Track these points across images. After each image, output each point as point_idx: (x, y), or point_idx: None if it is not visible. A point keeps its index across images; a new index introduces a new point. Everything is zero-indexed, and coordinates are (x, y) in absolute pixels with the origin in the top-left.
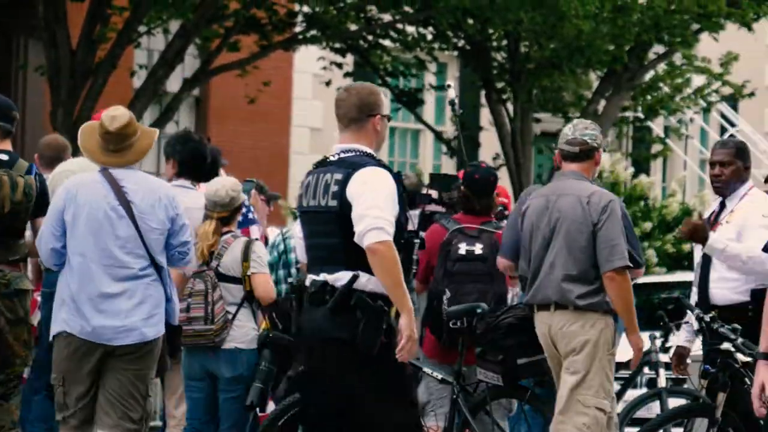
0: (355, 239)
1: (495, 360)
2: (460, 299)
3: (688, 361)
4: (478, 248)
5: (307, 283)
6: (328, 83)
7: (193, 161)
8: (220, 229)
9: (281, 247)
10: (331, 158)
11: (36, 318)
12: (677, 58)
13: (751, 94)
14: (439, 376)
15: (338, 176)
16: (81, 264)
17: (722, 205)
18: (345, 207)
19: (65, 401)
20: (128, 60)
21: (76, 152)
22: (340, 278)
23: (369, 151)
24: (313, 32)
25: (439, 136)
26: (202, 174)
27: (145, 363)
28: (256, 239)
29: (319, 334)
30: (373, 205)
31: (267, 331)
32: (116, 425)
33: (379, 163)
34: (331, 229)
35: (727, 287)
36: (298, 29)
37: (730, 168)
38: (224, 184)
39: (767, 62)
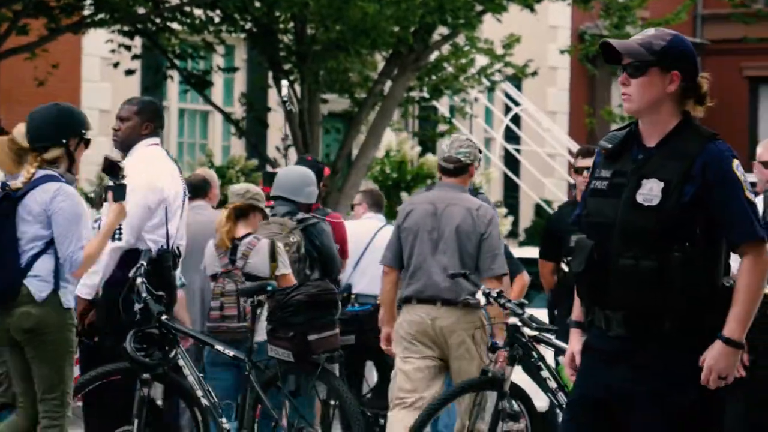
0: None
1: (286, 337)
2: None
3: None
4: None
5: None
6: (116, 65)
7: None
8: (233, 217)
9: None
10: None
11: None
12: (461, 39)
13: (534, 74)
14: (231, 353)
15: None
16: None
17: None
18: None
19: None
20: None
21: None
22: None
23: None
24: (102, 15)
25: (228, 117)
26: None
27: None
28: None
29: None
30: None
31: None
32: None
33: None
34: None
35: None
36: (86, 12)
37: (127, 124)
38: (248, 185)
39: (550, 42)
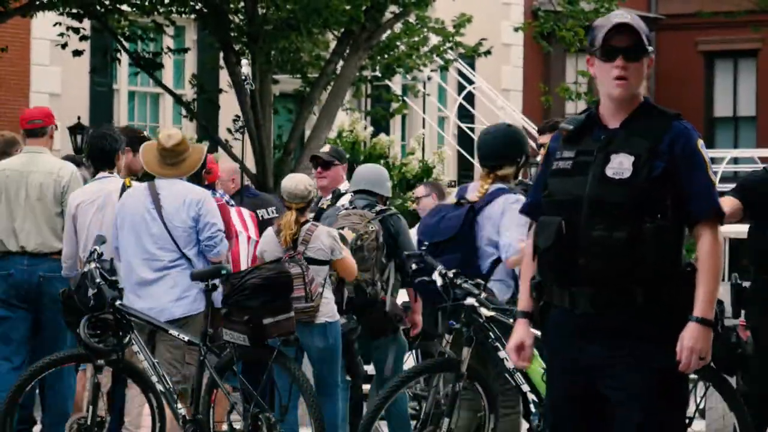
0: None
1: (241, 320)
2: None
3: None
4: None
5: None
6: (64, 46)
7: None
8: (300, 219)
9: None
10: None
11: None
12: (413, 18)
13: (488, 52)
14: (186, 338)
15: None
16: (125, 257)
17: None
18: None
19: None
20: None
21: None
22: None
23: None
24: None
25: (178, 99)
26: None
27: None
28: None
29: None
30: None
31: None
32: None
33: None
34: None
35: None
36: None
37: None
38: (302, 179)
39: (503, 19)
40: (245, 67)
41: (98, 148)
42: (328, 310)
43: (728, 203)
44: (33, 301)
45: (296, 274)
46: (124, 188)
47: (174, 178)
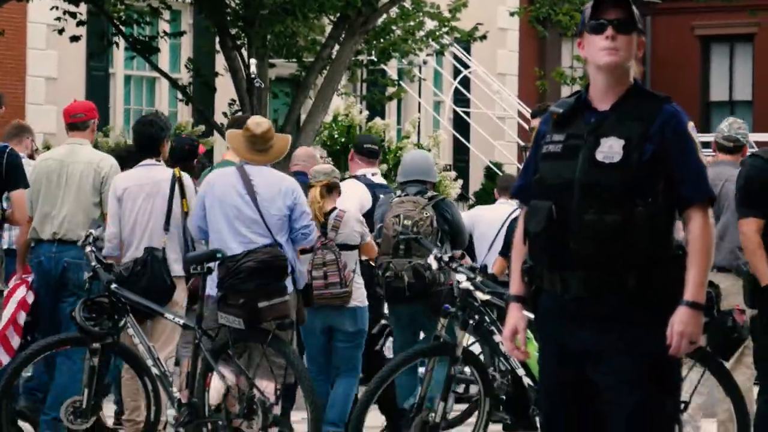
0: None
1: (236, 304)
2: None
3: None
4: None
5: None
6: (61, 32)
7: None
8: (325, 194)
9: None
10: None
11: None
12: (409, 3)
13: (483, 37)
14: (181, 322)
15: None
16: (219, 238)
17: None
18: None
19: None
20: None
21: None
22: None
23: None
24: None
25: (174, 83)
26: None
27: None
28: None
29: None
30: None
31: None
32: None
33: None
34: None
35: None
36: None
37: None
38: (330, 165)
39: (499, 4)
40: (253, 66)
41: (146, 134)
42: (359, 295)
43: (753, 227)
44: (57, 288)
45: (330, 260)
46: (174, 178)
47: (258, 165)
